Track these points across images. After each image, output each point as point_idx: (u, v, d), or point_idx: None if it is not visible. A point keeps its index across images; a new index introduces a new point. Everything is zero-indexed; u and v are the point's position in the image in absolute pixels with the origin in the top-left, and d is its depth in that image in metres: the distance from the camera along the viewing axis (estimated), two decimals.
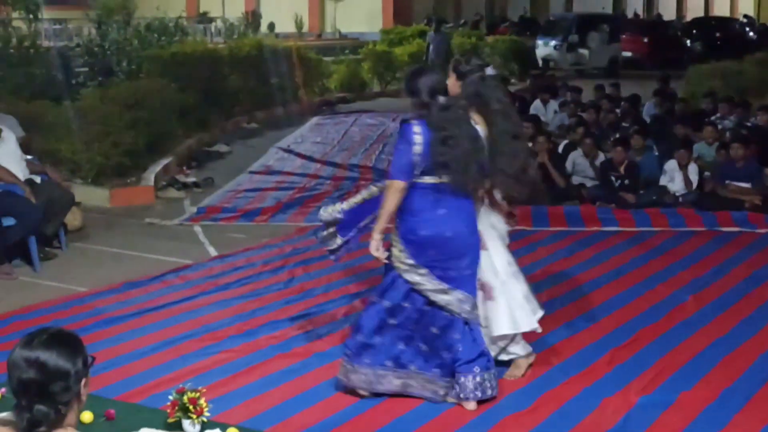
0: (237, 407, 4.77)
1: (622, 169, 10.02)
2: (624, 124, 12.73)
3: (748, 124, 12.33)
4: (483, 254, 4.99)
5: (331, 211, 5.17)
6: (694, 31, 32.13)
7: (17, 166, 7.59)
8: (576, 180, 10.38)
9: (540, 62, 27.14)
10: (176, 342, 5.77)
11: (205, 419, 4.25)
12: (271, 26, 28.11)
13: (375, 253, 4.79)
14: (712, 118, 12.74)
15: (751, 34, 33.45)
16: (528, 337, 5.38)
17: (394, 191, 4.68)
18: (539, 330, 5.29)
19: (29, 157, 8.17)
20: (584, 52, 27.55)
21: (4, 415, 2.82)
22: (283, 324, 6.11)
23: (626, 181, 9.93)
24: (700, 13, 44.11)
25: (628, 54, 28.90)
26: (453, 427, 4.60)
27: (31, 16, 20.20)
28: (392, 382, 4.83)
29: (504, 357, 5.19)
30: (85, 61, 14.94)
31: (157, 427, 4.29)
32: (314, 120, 16.97)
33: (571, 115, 13.40)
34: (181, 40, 16.89)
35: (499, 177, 4.89)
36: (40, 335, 2.75)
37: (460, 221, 4.77)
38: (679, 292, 6.81)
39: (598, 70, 26.57)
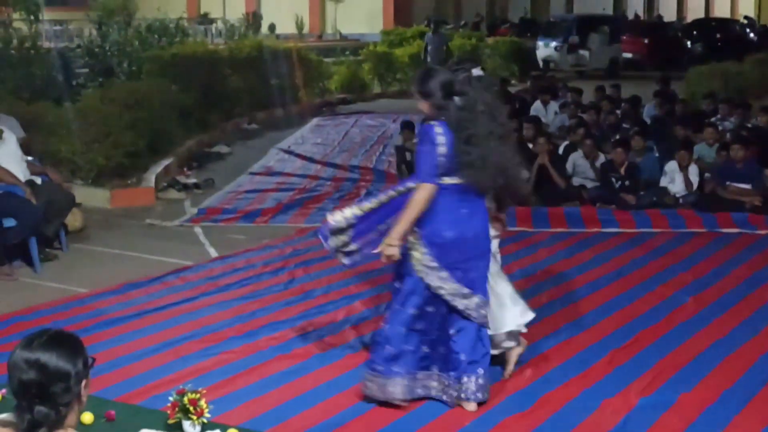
0: (237, 408, 4.78)
1: (622, 171, 10.02)
2: (624, 126, 12.74)
3: (749, 125, 12.33)
4: None
5: (344, 217, 4.93)
6: (695, 33, 32.12)
7: (18, 167, 7.60)
8: (576, 181, 10.38)
9: (540, 63, 27.15)
10: (176, 343, 5.77)
11: (205, 420, 4.25)
12: (272, 27, 28.15)
13: (389, 251, 4.67)
14: (713, 119, 12.75)
15: (752, 35, 33.43)
16: (527, 339, 5.38)
17: (425, 193, 4.63)
18: (524, 330, 5.29)
19: (30, 158, 8.18)
20: (585, 53, 27.56)
21: (4, 416, 2.82)
22: (283, 325, 6.11)
23: (626, 183, 9.93)
24: (701, 15, 44.13)
25: (629, 55, 28.92)
26: (453, 429, 4.60)
27: (31, 17, 20.26)
28: (428, 385, 4.84)
29: (495, 351, 5.18)
30: (85, 62, 14.95)
31: (157, 429, 4.30)
32: (315, 121, 16.98)
33: (572, 117, 13.40)
34: (182, 41, 16.90)
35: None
36: (41, 336, 2.75)
37: (480, 221, 4.80)
38: (680, 294, 6.81)
39: (599, 72, 26.59)
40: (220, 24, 27.31)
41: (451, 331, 4.78)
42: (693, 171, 9.96)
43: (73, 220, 8.37)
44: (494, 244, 5.14)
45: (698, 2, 48.81)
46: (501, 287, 5.20)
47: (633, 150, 10.49)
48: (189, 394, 4.24)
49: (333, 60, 21.92)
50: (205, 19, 29.42)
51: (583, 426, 4.62)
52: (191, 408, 4.21)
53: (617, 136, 11.35)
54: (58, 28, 23.75)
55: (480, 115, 4.72)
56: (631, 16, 41.24)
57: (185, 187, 10.76)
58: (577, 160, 10.50)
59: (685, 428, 4.59)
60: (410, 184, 4.80)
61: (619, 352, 5.62)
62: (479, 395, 4.76)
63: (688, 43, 31.02)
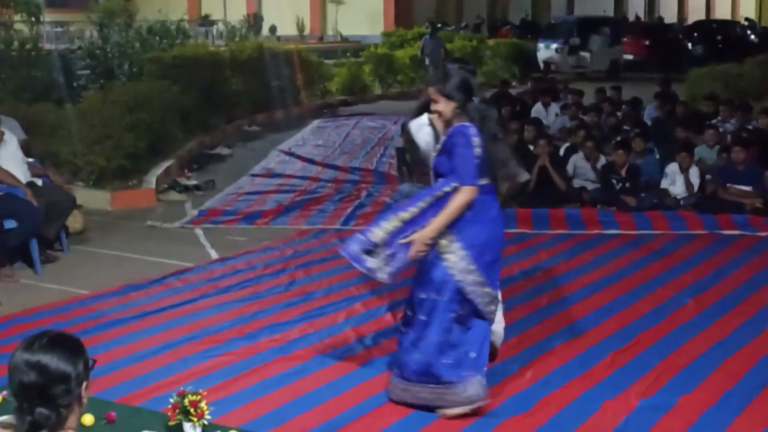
0: (238, 410, 4.78)
1: (623, 172, 10.03)
2: (625, 127, 12.75)
3: (749, 127, 12.32)
4: None
5: (386, 231, 4.69)
6: (696, 34, 32.15)
7: (19, 168, 7.60)
8: (577, 183, 10.38)
9: (541, 65, 27.18)
10: (177, 345, 5.77)
11: (206, 422, 4.25)
12: (273, 29, 28.19)
13: (422, 248, 4.61)
14: (713, 121, 12.75)
15: (752, 37, 33.45)
16: (525, 343, 5.39)
17: (469, 196, 4.60)
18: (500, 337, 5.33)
19: (31, 159, 8.19)
20: (585, 55, 27.59)
21: (5, 418, 2.83)
22: (284, 327, 6.11)
23: (627, 184, 9.93)
24: (702, 16, 44.19)
25: (630, 57, 28.96)
26: (453, 430, 4.60)
27: (32, 18, 20.28)
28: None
29: None
30: (86, 64, 14.95)
31: (158, 430, 4.29)
32: (315, 123, 16.99)
33: (573, 118, 13.42)
34: (183, 43, 16.91)
35: None
36: (41, 338, 2.75)
37: (502, 221, 4.83)
38: (680, 295, 6.81)
39: (600, 73, 26.60)
40: (221, 26, 27.36)
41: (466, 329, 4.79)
42: (694, 173, 9.97)
43: (74, 221, 8.38)
44: None
45: (699, 4, 48.87)
46: None
47: (634, 152, 10.49)
48: (190, 396, 4.23)
49: (334, 62, 21.93)
50: (206, 21, 29.47)
51: (583, 428, 4.62)
52: (192, 410, 4.20)
53: (618, 138, 11.36)
54: (59, 29, 23.81)
55: (490, 114, 4.75)
56: (631, 17, 41.29)
57: (186, 189, 10.76)
58: (577, 161, 10.50)
59: (686, 430, 4.59)
60: (447, 188, 4.69)
61: (620, 354, 5.62)
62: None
63: (689, 44, 31.06)
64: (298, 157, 13.28)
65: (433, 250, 4.67)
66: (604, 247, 8.33)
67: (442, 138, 4.77)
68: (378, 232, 4.71)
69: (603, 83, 18.54)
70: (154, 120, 11.27)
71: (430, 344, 4.67)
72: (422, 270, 4.75)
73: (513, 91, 18.80)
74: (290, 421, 4.69)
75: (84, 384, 2.76)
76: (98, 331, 5.99)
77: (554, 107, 14.53)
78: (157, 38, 16.59)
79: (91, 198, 9.69)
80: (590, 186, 10.28)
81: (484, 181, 4.69)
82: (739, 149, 9.85)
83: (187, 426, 4.23)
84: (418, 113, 5.54)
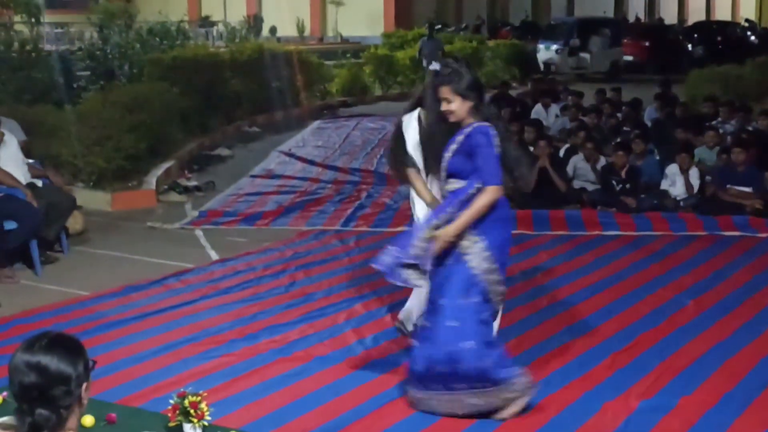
0: (238, 411, 4.78)
1: (623, 174, 10.03)
2: (625, 129, 12.75)
3: (749, 128, 12.33)
4: None
5: (424, 243, 4.62)
6: (696, 35, 32.15)
7: (19, 169, 7.61)
8: (577, 184, 10.39)
9: (541, 66, 27.18)
10: (177, 346, 5.77)
11: (206, 423, 4.25)
12: (273, 30, 28.17)
13: (444, 245, 4.58)
14: (713, 122, 12.75)
15: (753, 38, 33.46)
16: (525, 344, 5.38)
17: (495, 196, 4.60)
18: None
19: (31, 161, 8.19)
20: (585, 56, 27.60)
21: (5, 419, 2.83)
22: (284, 328, 6.12)
23: (627, 185, 9.94)
24: (702, 17, 44.19)
25: (630, 58, 28.97)
26: (454, 431, 4.60)
27: (33, 19, 20.29)
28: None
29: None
30: (86, 65, 14.96)
31: (158, 431, 4.30)
32: (315, 124, 17.00)
33: (573, 119, 13.42)
34: (183, 44, 16.91)
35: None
36: (41, 339, 2.75)
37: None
38: (680, 297, 6.81)
39: (600, 75, 26.60)
40: (221, 27, 27.36)
41: None
42: (694, 174, 9.97)
43: (74, 222, 8.38)
44: None
45: (699, 5, 48.88)
46: None
47: (634, 153, 10.49)
48: (190, 397, 4.24)
49: (334, 63, 21.93)
50: (206, 22, 29.46)
51: (583, 429, 4.62)
52: (192, 411, 4.21)
53: (618, 139, 11.37)
54: (59, 30, 23.79)
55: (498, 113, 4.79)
56: (631, 19, 41.32)
57: (186, 190, 10.77)
58: (577, 163, 10.51)
59: (686, 431, 4.59)
60: (471, 190, 4.65)
61: (620, 354, 5.62)
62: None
63: (689, 46, 31.05)
64: (298, 158, 13.28)
65: (452, 252, 4.62)
66: (604, 248, 8.33)
67: (459, 138, 4.69)
68: (416, 246, 4.62)
69: (603, 84, 18.55)
70: (154, 121, 11.28)
71: (474, 348, 4.57)
72: (442, 275, 4.68)
73: (513, 93, 18.81)
74: (290, 422, 4.69)
75: (84, 385, 2.76)
76: (98, 332, 6.00)
77: (554, 108, 14.53)
78: (157, 39, 16.60)
79: (91, 199, 9.69)
80: (590, 187, 10.28)
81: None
82: (739, 150, 9.86)
83: (187, 427, 4.24)
84: (411, 108, 5.56)
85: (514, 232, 5.29)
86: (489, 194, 4.58)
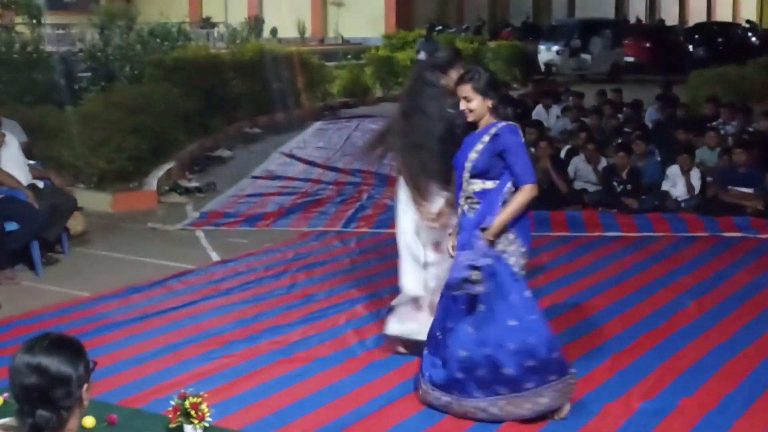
0: (239, 412, 4.78)
1: (624, 175, 10.03)
2: (626, 130, 12.75)
3: (750, 129, 12.34)
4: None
5: (488, 252, 4.58)
6: (697, 37, 32.14)
7: (20, 171, 7.61)
8: (578, 185, 10.38)
9: (542, 67, 27.18)
10: (178, 347, 5.77)
11: (206, 424, 4.25)
12: (274, 31, 28.16)
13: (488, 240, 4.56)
14: (714, 123, 12.75)
15: (754, 39, 33.43)
16: None
17: (532, 194, 4.59)
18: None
19: (32, 162, 8.19)
20: (586, 57, 27.59)
21: (6, 420, 2.83)
22: (285, 329, 6.12)
23: (628, 187, 9.94)
24: (703, 18, 44.17)
25: (631, 59, 28.96)
26: None
27: (34, 21, 20.29)
28: None
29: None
30: (87, 66, 14.94)
31: None
32: (316, 125, 17.00)
33: (574, 121, 13.42)
34: (184, 46, 16.92)
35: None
36: (42, 341, 2.75)
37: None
38: (681, 298, 6.81)
39: (601, 76, 26.59)
40: (222, 28, 27.37)
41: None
42: (695, 175, 9.96)
43: (75, 223, 8.39)
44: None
45: (700, 6, 48.85)
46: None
47: (635, 154, 10.49)
48: (191, 398, 4.24)
49: (335, 64, 21.93)
50: (207, 23, 29.48)
51: (584, 430, 4.61)
52: (193, 412, 4.21)
53: (619, 140, 11.36)
54: (60, 32, 23.82)
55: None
56: (632, 20, 41.25)
57: (187, 191, 10.78)
58: (578, 164, 10.51)
59: None
60: (505, 190, 4.62)
61: (621, 356, 5.62)
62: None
63: (690, 47, 31.04)
64: (300, 159, 13.28)
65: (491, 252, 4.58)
66: (605, 250, 8.33)
67: (485, 138, 4.63)
68: (489, 254, 4.56)
69: (604, 85, 18.55)
70: (156, 122, 11.28)
71: (544, 341, 4.57)
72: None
73: (514, 94, 18.83)
74: (291, 423, 4.69)
75: (85, 386, 2.77)
76: (99, 333, 6.00)
77: (555, 109, 14.54)
78: (159, 41, 16.61)
79: (92, 200, 9.69)
80: (591, 188, 10.28)
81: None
82: (740, 151, 9.86)
83: (188, 428, 4.24)
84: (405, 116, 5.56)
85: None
86: (526, 193, 4.57)
